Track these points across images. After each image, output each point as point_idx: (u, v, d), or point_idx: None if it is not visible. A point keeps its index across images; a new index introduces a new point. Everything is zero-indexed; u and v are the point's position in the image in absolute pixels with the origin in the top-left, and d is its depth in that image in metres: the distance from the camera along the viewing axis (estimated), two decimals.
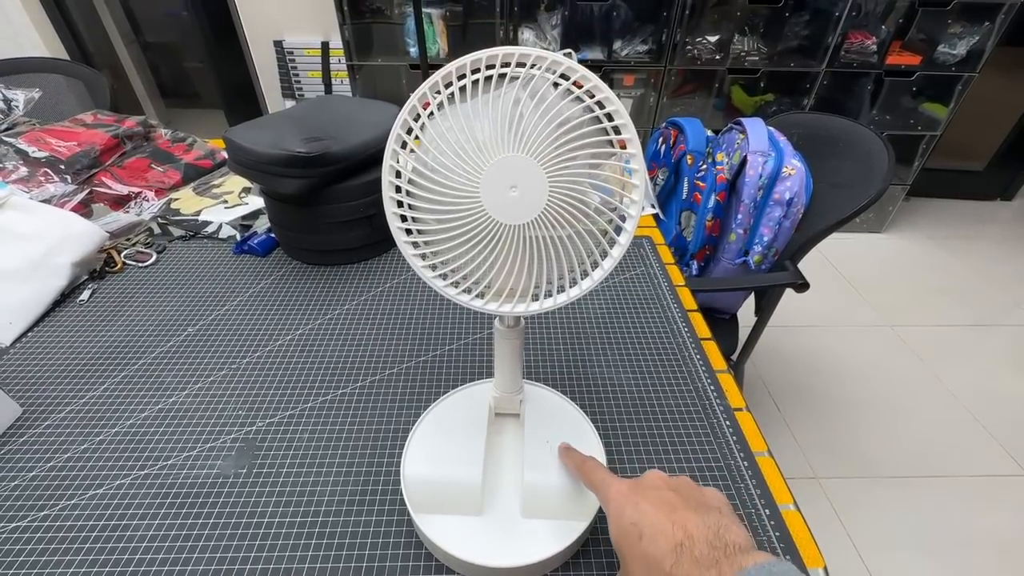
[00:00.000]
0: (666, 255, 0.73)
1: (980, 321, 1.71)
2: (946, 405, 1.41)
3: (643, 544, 0.28)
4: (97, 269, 0.67)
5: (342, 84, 2.03)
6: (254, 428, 0.48)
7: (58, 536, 0.39)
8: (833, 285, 1.87)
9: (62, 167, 0.74)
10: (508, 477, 0.42)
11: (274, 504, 0.42)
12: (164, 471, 0.44)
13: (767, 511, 0.42)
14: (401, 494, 0.40)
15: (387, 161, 0.31)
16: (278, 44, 2.00)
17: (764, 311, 0.93)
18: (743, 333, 1.05)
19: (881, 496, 1.20)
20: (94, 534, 0.40)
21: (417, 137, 0.31)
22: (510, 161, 0.29)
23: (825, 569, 0.39)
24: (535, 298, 0.35)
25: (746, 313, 1.06)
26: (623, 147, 0.31)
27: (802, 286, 0.81)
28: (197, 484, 0.43)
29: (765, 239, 0.90)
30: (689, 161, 0.92)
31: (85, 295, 0.63)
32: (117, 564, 0.38)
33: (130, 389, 0.52)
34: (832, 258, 1.97)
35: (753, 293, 1.01)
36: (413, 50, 1.83)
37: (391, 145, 0.31)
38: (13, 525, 0.40)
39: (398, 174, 0.32)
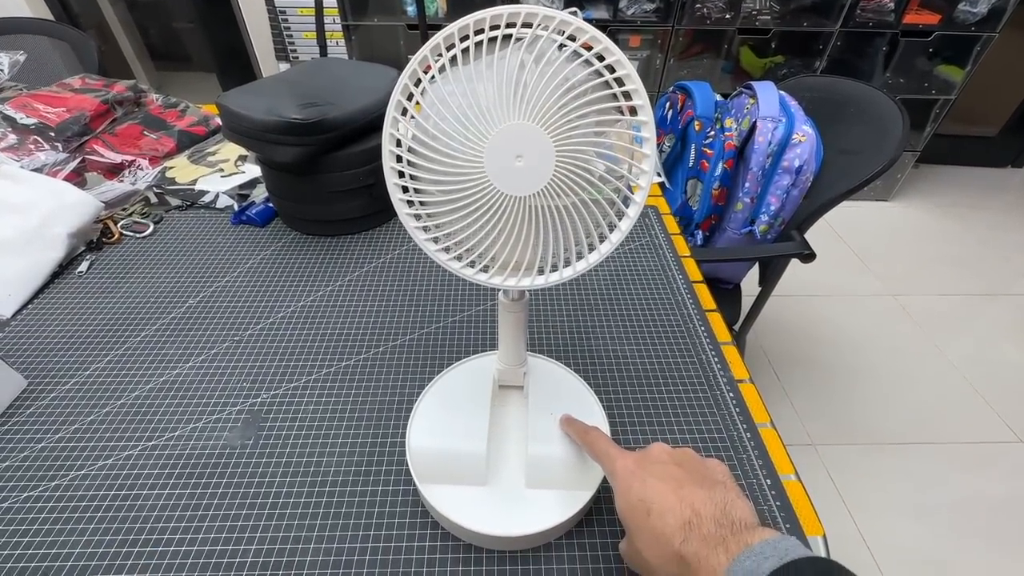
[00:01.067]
0: (671, 225, 0.72)
1: (983, 291, 1.70)
2: (945, 374, 1.43)
3: (651, 520, 0.28)
4: (94, 240, 0.66)
5: (337, 45, 1.96)
6: (259, 400, 0.48)
7: (70, 505, 0.40)
8: (837, 254, 1.86)
9: (52, 134, 0.72)
10: (512, 448, 0.42)
11: (281, 475, 0.42)
12: (171, 442, 0.45)
13: (768, 481, 0.42)
14: (406, 464, 0.40)
15: (387, 129, 0.30)
16: (270, 2, 1.92)
17: (768, 281, 0.92)
18: (746, 303, 1.05)
19: (876, 462, 1.22)
20: (105, 503, 0.40)
21: (418, 103, 0.30)
22: (515, 129, 0.28)
23: (824, 537, 0.39)
24: (540, 272, 0.34)
25: (749, 282, 1.05)
26: (633, 113, 0.30)
27: (808, 256, 0.80)
28: (204, 455, 0.44)
29: (772, 208, 0.89)
30: (697, 127, 0.90)
31: (83, 267, 0.63)
32: (129, 532, 0.39)
33: (133, 361, 0.52)
34: (837, 226, 1.95)
35: (758, 263, 1.00)
36: (411, 9, 1.76)
37: (391, 112, 0.30)
38: (25, 495, 0.41)
39: (399, 142, 0.30)
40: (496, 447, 0.41)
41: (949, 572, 1.03)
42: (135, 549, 0.38)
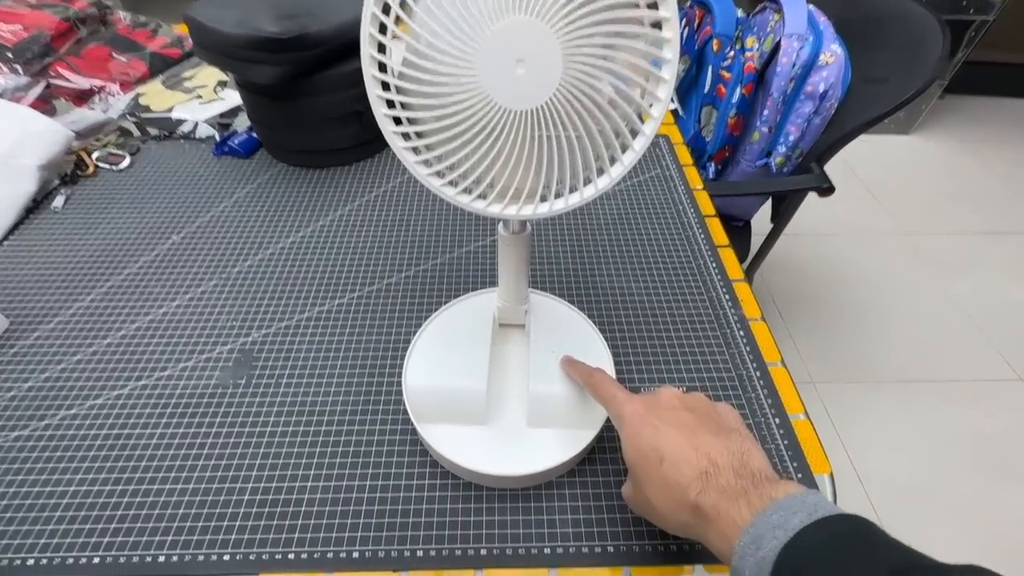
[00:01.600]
0: (684, 155, 0.67)
1: (995, 229, 1.65)
2: (949, 313, 1.41)
3: (664, 469, 0.27)
4: (68, 173, 0.62)
5: None
6: (250, 339, 0.46)
7: (61, 445, 0.39)
8: (849, 190, 1.79)
9: (10, 55, 0.66)
10: (513, 387, 0.40)
11: (275, 414, 0.41)
12: (162, 382, 0.43)
13: (777, 420, 0.41)
14: (404, 403, 0.39)
15: (366, 28, 0.26)
16: None
17: (782, 217, 0.88)
18: (755, 241, 1.01)
19: (875, 400, 1.23)
20: (97, 442, 0.39)
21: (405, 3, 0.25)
22: (516, 28, 0.24)
23: (831, 475, 0.39)
24: (543, 199, 0.31)
25: (759, 220, 1.01)
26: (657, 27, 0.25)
27: (827, 190, 0.76)
28: (196, 395, 0.42)
29: (791, 139, 0.83)
30: (715, 47, 0.82)
31: (59, 202, 0.59)
32: (123, 471, 0.38)
33: (118, 299, 0.50)
34: (852, 161, 1.87)
35: (771, 198, 0.96)
36: None
37: (369, 8, 0.25)
38: (16, 434, 0.40)
39: (381, 46, 0.26)
40: (496, 386, 0.40)
41: (942, 506, 1.06)
42: (129, 487, 0.37)
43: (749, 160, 0.87)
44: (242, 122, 0.70)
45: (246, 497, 0.37)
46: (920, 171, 1.88)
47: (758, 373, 0.44)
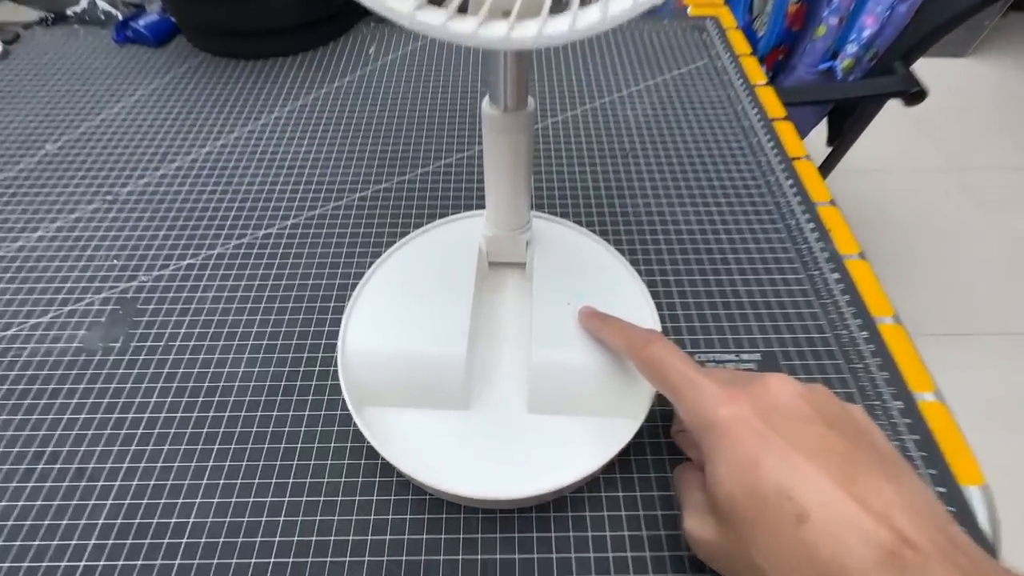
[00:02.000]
0: (740, 43, 0.51)
1: None
2: (1007, 257, 1.26)
3: (806, 533, 0.14)
4: None
5: None
6: (134, 285, 0.33)
7: None
8: (894, 121, 1.58)
9: None
10: (508, 354, 0.28)
11: (160, 393, 0.28)
12: (2, 344, 0.30)
13: (899, 403, 0.28)
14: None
15: None
16: None
17: (846, 137, 0.71)
18: None
19: (923, 355, 1.11)
20: None
21: None
22: None
23: (986, 488, 0.26)
24: (556, 9, 0.16)
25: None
26: None
27: (916, 96, 0.59)
28: (50, 363, 0.29)
29: (865, 34, 0.65)
30: None
31: None
32: None
33: None
34: None
35: (827, 116, 0.78)
36: None
37: None
38: None
39: None
40: (483, 351, 0.27)
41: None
42: None
43: (809, 64, 0.69)
44: (157, 5, 0.53)
45: (101, 521, 0.24)
46: (974, 99, 1.66)
47: (864, 334, 0.30)
